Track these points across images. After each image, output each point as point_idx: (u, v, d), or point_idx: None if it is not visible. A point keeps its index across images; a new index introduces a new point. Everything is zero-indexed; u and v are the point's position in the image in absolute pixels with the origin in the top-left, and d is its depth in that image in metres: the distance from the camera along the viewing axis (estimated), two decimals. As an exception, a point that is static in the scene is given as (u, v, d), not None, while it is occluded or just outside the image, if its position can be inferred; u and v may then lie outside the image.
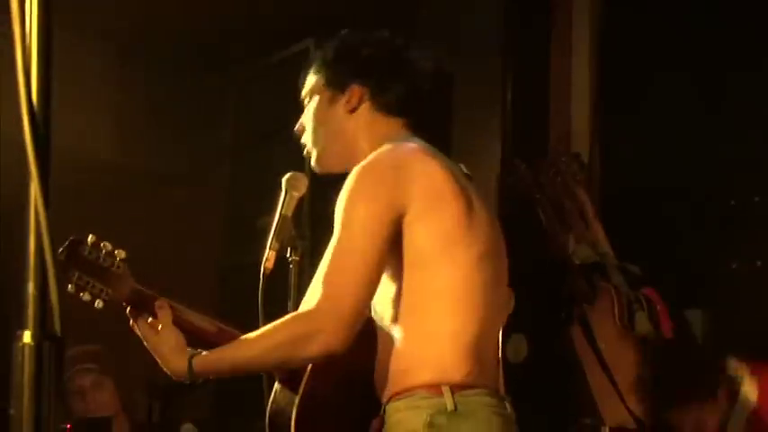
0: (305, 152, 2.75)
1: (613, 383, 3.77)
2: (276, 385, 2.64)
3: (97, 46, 4.95)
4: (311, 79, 2.73)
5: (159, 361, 2.43)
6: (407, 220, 2.37)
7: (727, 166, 4.24)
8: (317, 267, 2.75)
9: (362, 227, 2.35)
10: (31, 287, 1.37)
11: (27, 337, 1.36)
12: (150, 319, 2.45)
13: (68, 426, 3.51)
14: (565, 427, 4.16)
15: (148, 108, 5.10)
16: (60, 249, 2.31)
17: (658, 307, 3.87)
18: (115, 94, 5.05)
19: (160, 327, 2.43)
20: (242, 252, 4.30)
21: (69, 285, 2.31)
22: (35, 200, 1.38)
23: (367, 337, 2.49)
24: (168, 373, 2.44)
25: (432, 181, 2.41)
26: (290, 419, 2.48)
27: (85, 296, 2.33)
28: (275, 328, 2.39)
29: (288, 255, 2.75)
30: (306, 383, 2.49)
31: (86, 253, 2.35)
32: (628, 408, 3.74)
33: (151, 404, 4.04)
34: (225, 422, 4.63)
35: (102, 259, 2.36)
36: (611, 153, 4.92)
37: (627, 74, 4.81)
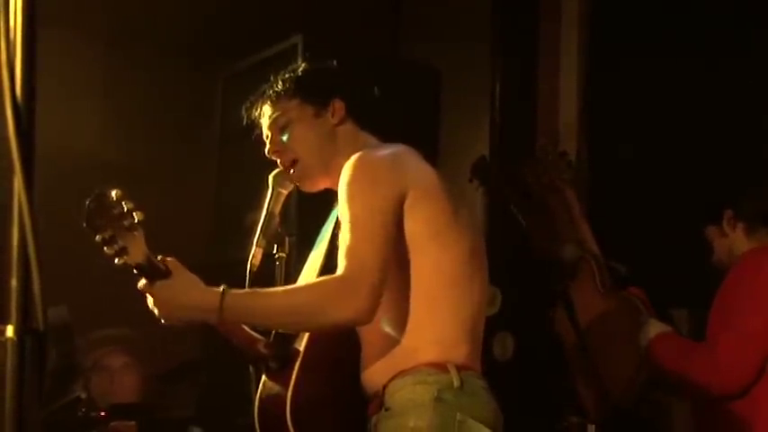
0: (289, 172, 2.73)
1: (594, 366, 3.76)
2: (264, 378, 2.65)
3: (82, 41, 4.93)
4: (283, 106, 2.71)
5: (184, 307, 2.37)
6: (406, 205, 2.43)
7: (718, 165, 4.25)
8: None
9: (378, 205, 2.39)
10: (14, 281, 1.36)
11: (9, 331, 1.36)
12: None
13: (102, 413, 3.50)
14: (551, 426, 4.16)
15: (134, 104, 5.08)
16: (88, 200, 2.26)
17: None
18: (100, 89, 5.03)
19: (173, 275, 2.37)
20: (229, 249, 4.29)
21: (97, 236, 2.26)
22: (19, 194, 1.38)
23: (354, 330, 2.54)
24: (194, 317, 2.37)
25: (424, 174, 2.51)
26: (283, 411, 2.49)
27: (109, 251, 2.27)
28: (308, 285, 2.44)
29: (274, 251, 2.76)
30: (297, 374, 2.51)
31: (111, 207, 2.28)
32: (608, 396, 3.74)
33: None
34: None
35: (123, 216, 2.28)
36: (599, 151, 4.93)
37: (616, 71, 4.81)
